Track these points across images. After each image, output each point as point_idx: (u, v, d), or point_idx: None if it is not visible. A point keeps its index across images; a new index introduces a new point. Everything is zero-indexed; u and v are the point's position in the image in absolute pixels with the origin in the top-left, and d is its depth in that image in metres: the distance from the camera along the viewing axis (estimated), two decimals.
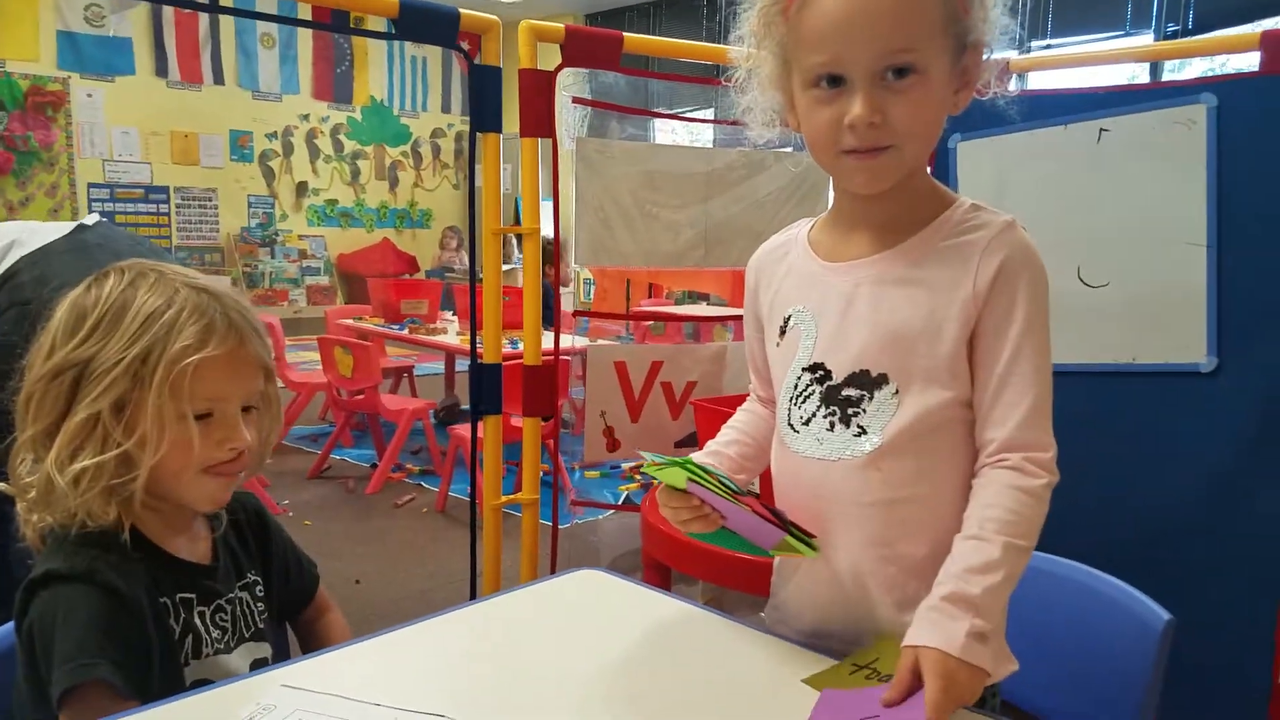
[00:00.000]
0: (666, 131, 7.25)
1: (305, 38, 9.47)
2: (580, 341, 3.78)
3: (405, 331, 4.73)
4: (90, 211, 8.38)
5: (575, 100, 2.16)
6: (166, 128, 8.67)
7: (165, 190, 8.74)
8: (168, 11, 8.32)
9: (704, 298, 4.93)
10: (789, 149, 2.26)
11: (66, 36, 8.11)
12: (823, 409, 0.94)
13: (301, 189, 9.60)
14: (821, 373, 0.94)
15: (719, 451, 1.06)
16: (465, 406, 5.35)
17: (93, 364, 0.93)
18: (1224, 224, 1.73)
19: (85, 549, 0.93)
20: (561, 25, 1.98)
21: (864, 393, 0.91)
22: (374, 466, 4.25)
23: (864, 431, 0.91)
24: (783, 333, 0.99)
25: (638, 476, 4.11)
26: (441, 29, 1.85)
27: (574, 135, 2.15)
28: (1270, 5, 5.15)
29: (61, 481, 0.92)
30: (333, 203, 9.87)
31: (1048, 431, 0.89)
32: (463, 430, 3.77)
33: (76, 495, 0.92)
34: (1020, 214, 0.93)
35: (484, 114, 1.92)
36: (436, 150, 10.53)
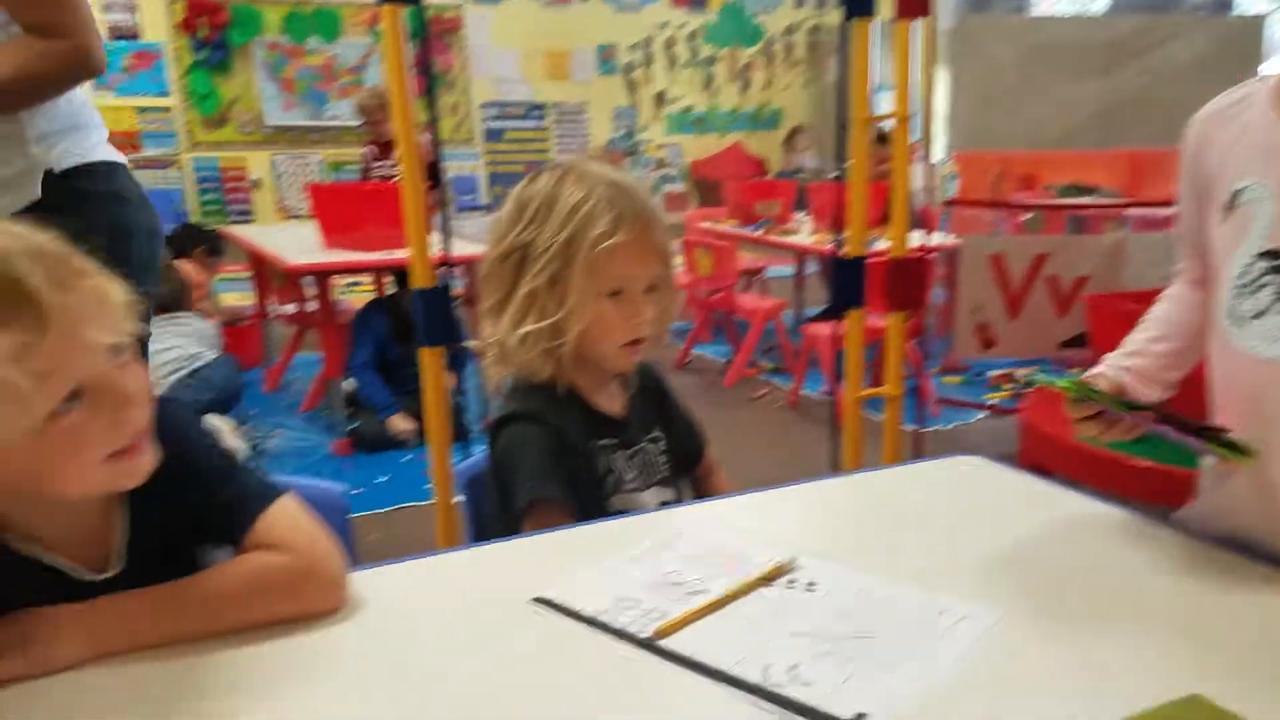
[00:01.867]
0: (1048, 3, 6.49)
1: None
2: (938, 239, 3.61)
3: (760, 233, 4.83)
4: (486, 128, 9.44)
5: None
6: (542, 46, 9.44)
7: (542, 107, 9.59)
8: None
9: (1089, 191, 4.43)
10: (1203, 11, 1.95)
11: None
12: (1279, 304, 0.83)
13: (660, 98, 10.02)
14: None
15: (1137, 353, 0.98)
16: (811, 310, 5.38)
17: (532, 247, 1.09)
18: None
19: (534, 396, 1.11)
20: None
21: None
22: (730, 362, 4.47)
23: None
24: (1229, 208, 0.88)
25: (1005, 385, 3.90)
26: None
27: (952, 14, 2.03)
28: None
29: (511, 342, 1.10)
30: (688, 110, 10.20)
31: None
32: (817, 329, 3.82)
33: (523, 354, 1.10)
34: None
35: None
36: (789, 47, 10.39)
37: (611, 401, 1.19)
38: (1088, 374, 0.97)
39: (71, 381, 0.69)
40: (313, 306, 3.77)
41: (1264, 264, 0.84)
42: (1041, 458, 1.59)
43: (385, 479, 3.11)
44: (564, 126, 9.69)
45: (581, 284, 1.06)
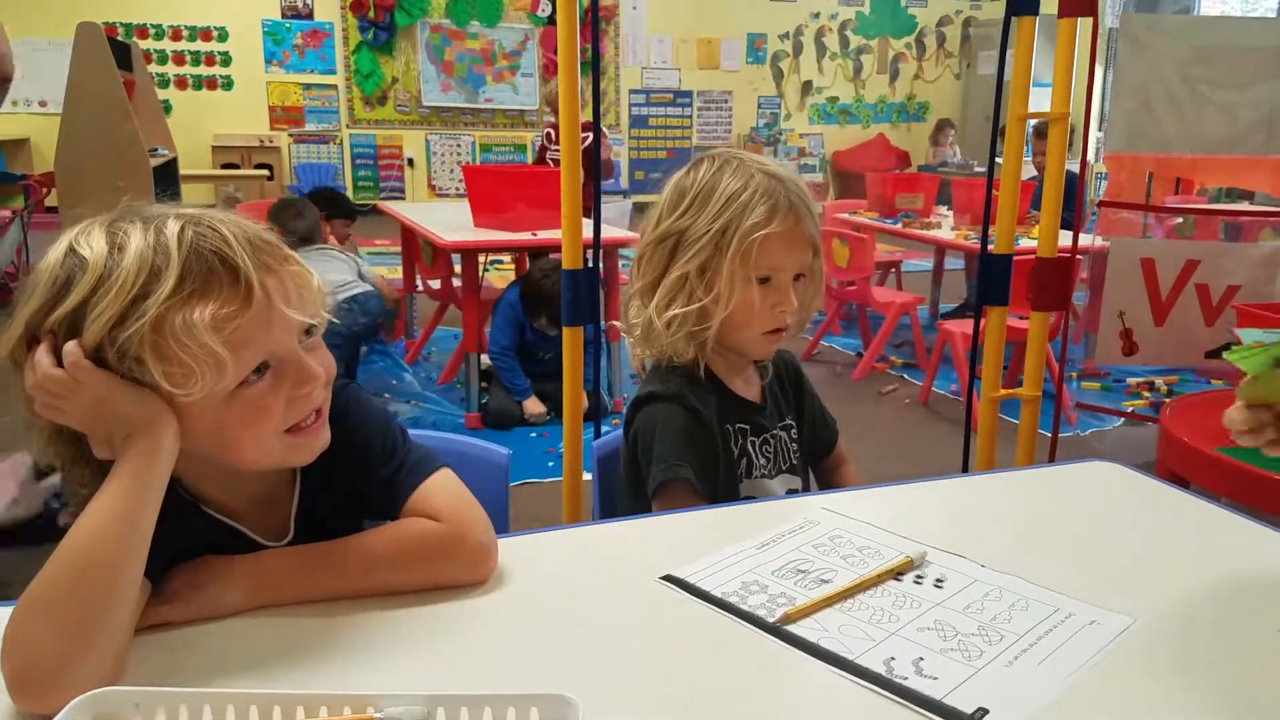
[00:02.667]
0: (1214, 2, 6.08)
1: None
2: (1085, 240, 3.47)
3: (899, 226, 4.75)
4: (631, 114, 9.54)
5: None
6: (694, 34, 9.48)
7: (689, 95, 9.64)
8: None
9: (1246, 196, 4.15)
10: None
11: None
12: None
13: (806, 88, 9.91)
14: None
15: None
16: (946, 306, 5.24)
17: (687, 233, 1.13)
18: None
19: (675, 377, 1.16)
20: None
21: None
22: (859, 355, 4.42)
23: None
24: None
25: (1145, 393, 3.73)
26: None
27: (1117, 13, 1.97)
28: None
29: (658, 324, 1.15)
30: (834, 100, 10.04)
31: None
32: (952, 325, 3.74)
33: (667, 336, 1.15)
34: None
35: None
36: (941, 39, 10.06)
37: (748, 387, 1.23)
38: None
39: (262, 354, 0.73)
40: (458, 284, 3.95)
41: None
42: (1181, 468, 1.54)
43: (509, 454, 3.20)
44: (708, 114, 9.72)
45: (731, 270, 1.10)
